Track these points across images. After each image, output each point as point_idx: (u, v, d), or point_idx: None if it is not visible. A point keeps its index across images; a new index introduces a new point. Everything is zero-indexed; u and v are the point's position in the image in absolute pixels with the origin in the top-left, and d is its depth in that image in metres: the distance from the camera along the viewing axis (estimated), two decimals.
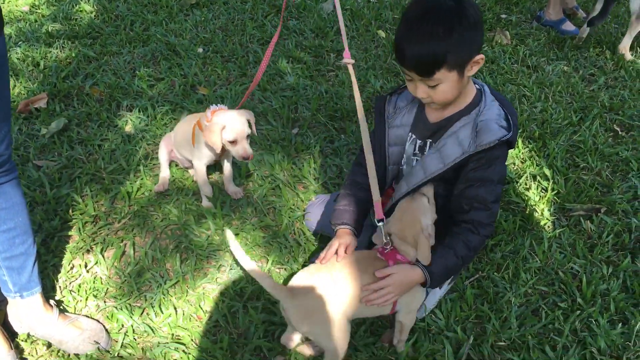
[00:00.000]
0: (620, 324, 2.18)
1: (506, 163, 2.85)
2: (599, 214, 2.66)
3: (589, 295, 2.27)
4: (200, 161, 2.57)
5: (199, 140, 2.49)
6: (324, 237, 2.54)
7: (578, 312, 2.22)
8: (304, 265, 2.38)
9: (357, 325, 2.16)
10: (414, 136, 2.03)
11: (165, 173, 2.77)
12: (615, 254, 2.49)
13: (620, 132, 3.25)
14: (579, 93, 3.57)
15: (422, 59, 1.72)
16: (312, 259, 2.40)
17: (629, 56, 3.97)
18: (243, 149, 2.39)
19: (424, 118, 2.01)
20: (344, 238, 1.95)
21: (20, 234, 1.92)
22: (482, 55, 1.78)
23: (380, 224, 1.90)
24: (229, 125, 2.35)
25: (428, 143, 1.99)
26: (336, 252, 1.89)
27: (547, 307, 2.25)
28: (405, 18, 1.77)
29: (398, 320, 1.97)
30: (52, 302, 2.11)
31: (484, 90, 1.94)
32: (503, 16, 4.55)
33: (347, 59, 2.06)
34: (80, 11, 4.34)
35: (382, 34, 4.17)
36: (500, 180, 1.91)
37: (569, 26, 4.34)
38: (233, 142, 2.38)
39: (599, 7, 3.98)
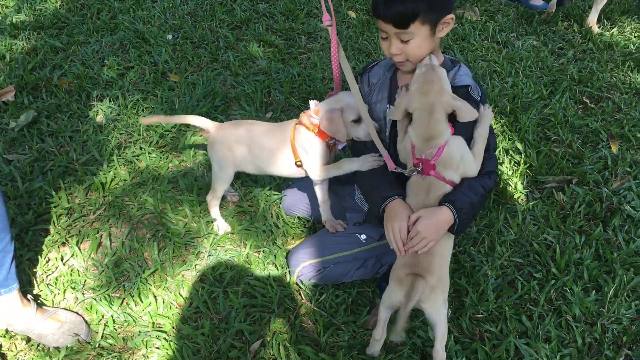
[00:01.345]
0: (593, 292, 2.23)
1: None
2: (570, 185, 2.71)
3: (562, 265, 2.32)
4: (319, 170, 2.17)
5: (307, 144, 2.15)
6: (301, 219, 2.56)
7: (553, 281, 2.27)
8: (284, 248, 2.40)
9: (338, 305, 2.18)
10: (391, 107, 2.05)
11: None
12: (587, 223, 2.55)
13: (589, 104, 3.30)
14: (549, 67, 3.61)
15: (400, 10, 1.79)
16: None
17: (596, 29, 4.02)
18: (370, 122, 2.00)
19: (396, 88, 2.04)
20: (401, 214, 1.85)
21: None
22: (452, 15, 1.85)
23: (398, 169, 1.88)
24: (347, 105, 2.06)
25: None
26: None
27: (523, 278, 2.30)
28: None
29: None
30: (29, 296, 2.09)
31: (453, 58, 2.02)
32: None
33: (327, 22, 1.98)
34: (45, 1, 4.25)
35: (352, 14, 4.15)
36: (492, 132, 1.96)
37: (537, 1, 4.37)
38: (357, 121, 2.07)
39: None
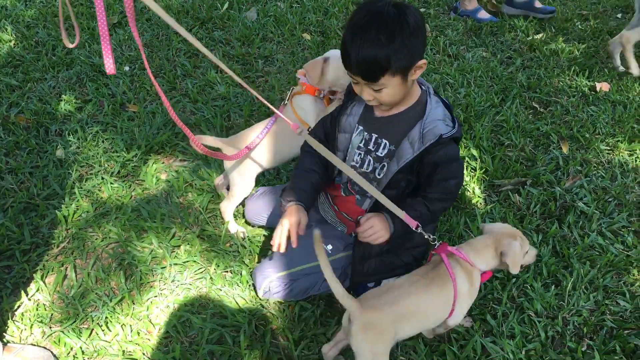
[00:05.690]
0: (553, 287, 2.31)
1: None
2: (525, 186, 2.81)
3: None
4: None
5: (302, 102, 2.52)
6: (267, 237, 2.59)
7: (514, 280, 2.33)
8: (252, 266, 2.41)
9: (307, 318, 2.21)
10: (361, 128, 2.10)
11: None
12: (544, 222, 2.64)
13: (539, 109, 3.43)
14: (499, 76, 3.74)
15: (367, 65, 1.77)
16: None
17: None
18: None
19: (371, 112, 2.08)
20: (293, 216, 2.00)
21: None
22: (424, 60, 1.83)
23: (420, 229, 1.91)
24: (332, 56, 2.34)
25: (374, 137, 2.07)
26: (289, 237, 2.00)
27: None
28: (350, 24, 1.79)
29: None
30: None
31: (429, 92, 2.02)
32: (422, 10, 4.70)
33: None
34: None
35: (307, 36, 4.24)
36: (461, 173, 2.07)
37: (484, 14, 4.53)
38: (335, 92, 2.40)
39: None
